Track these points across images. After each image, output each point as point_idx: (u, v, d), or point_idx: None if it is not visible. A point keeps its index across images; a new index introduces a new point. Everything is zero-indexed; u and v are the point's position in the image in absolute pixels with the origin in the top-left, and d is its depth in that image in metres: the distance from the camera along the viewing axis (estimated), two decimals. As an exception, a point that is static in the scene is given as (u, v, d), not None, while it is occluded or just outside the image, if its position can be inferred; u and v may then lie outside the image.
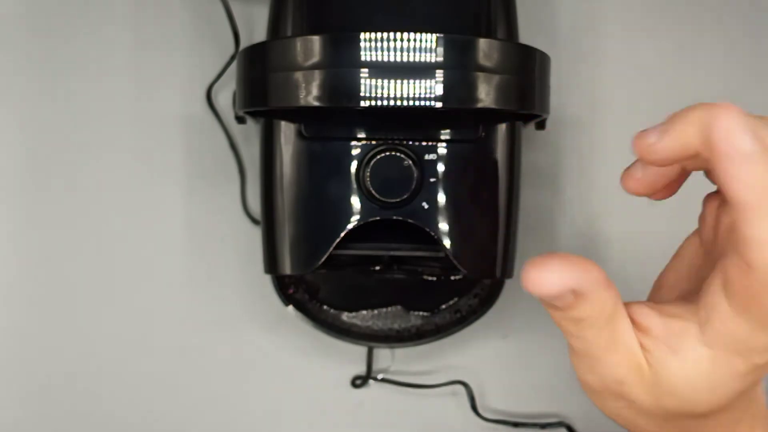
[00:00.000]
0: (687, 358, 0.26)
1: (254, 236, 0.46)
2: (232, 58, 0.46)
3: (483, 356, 0.48)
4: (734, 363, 0.26)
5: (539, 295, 0.26)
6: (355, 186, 0.37)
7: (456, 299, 0.44)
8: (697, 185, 0.29)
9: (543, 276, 0.25)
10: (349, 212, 0.37)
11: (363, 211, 0.37)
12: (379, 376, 0.48)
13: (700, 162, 0.26)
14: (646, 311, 0.28)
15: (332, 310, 0.44)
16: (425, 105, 0.33)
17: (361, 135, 0.37)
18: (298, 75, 0.34)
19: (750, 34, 0.48)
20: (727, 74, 0.48)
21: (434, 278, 0.45)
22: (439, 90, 0.33)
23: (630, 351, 0.27)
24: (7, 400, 0.47)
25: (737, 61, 0.48)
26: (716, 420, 0.28)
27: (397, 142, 0.37)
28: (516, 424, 0.48)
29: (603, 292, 0.26)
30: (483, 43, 0.34)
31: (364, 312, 0.44)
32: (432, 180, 0.37)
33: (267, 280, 0.43)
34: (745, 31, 0.48)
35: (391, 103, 0.32)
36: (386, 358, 0.48)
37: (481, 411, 0.47)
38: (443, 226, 0.37)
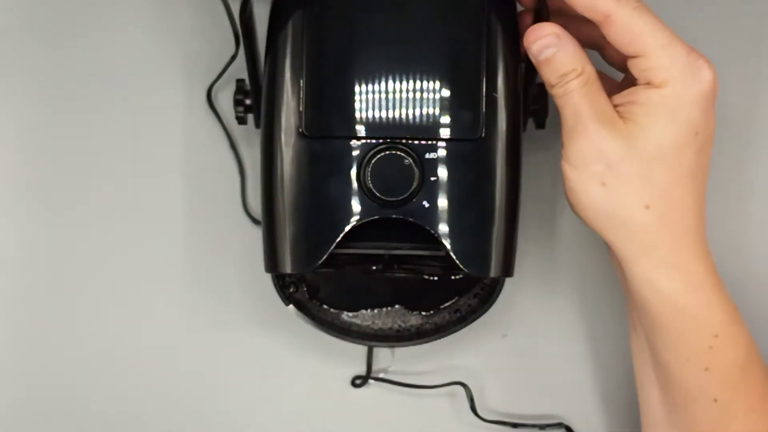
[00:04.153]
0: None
1: (254, 236, 0.46)
2: (233, 58, 0.46)
3: (482, 356, 0.48)
4: None
5: (532, 43, 0.36)
6: (355, 185, 0.37)
7: (456, 299, 0.44)
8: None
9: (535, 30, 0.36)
10: (350, 211, 0.38)
11: (363, 210, 0.37)
12: (381, 375, 0.48)
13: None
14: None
15: (332, 310, 0.44)
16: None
17: (362, 134, 0.38)
18: None
19: (750, 31, 0.48)
20: (728, 72, 0.49)
21: (434, 278, 0.45)
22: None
23: (608, 112, 0.35)
24: (7, 399, 0.47)
25: (738, 59, 0.48)
26: None
27: (397, 140, 0.37)
28: (515, 425, 0.48)
29: (579, 50, 0.36)
30: None
31: (364, 311, 0.44)
32: (432, 179, 0.37)
33: (267, 280, 0.43)
34: (746, 28, 0.48)
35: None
36: (386, 357, 0.48)
37: (480, 412, 0.47)
38: (443, 224, 0.37)
